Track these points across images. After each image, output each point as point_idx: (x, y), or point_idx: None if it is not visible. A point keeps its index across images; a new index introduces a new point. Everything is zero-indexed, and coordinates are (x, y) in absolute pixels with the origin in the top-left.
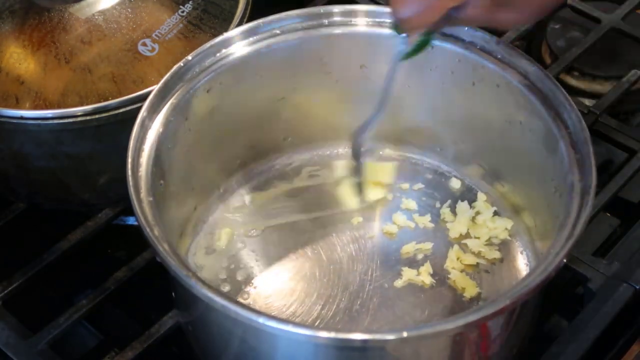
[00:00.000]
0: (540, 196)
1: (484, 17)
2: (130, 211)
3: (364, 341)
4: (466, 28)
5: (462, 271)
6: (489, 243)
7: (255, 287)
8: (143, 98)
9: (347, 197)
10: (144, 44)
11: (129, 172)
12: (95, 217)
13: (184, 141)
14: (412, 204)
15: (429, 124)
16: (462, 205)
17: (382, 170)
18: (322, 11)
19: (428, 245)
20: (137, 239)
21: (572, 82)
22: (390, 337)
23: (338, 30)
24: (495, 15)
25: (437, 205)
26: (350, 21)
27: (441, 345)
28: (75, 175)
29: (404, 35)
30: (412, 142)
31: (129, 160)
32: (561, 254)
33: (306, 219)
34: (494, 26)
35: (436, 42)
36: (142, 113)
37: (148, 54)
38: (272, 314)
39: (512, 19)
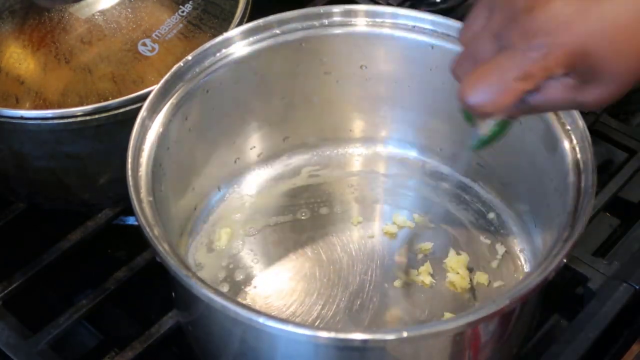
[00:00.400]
0: (540, 196)
1: (566, 98)
2: (130, 211)
3: (364, 341)
4: None
5: (461, 271)
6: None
7: (255, 287)
8: (143, 98)
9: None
10: (144, 44)
11: (129, 172)
12: (95, 217)
13: (184, 141)
14: (412, 204)
15: (429, 124)
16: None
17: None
18: (322, 11)
19: (428, 245)
20: (137, 239)
21: None
22: (390, 337)
23: (338, 30)
24: (579, 95)
25: (438, 204)
26: (350, 21)
27: (441, 345)
28: (75, 175)
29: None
30: (412, 141)
31: (129, 160)
32: (561, 254)
33: (306, 219)
34: (577, 109)
35: (436, 42)
36: (142, 113)
37: (148, 54)
38: (272, 314)
39: (598, 97)
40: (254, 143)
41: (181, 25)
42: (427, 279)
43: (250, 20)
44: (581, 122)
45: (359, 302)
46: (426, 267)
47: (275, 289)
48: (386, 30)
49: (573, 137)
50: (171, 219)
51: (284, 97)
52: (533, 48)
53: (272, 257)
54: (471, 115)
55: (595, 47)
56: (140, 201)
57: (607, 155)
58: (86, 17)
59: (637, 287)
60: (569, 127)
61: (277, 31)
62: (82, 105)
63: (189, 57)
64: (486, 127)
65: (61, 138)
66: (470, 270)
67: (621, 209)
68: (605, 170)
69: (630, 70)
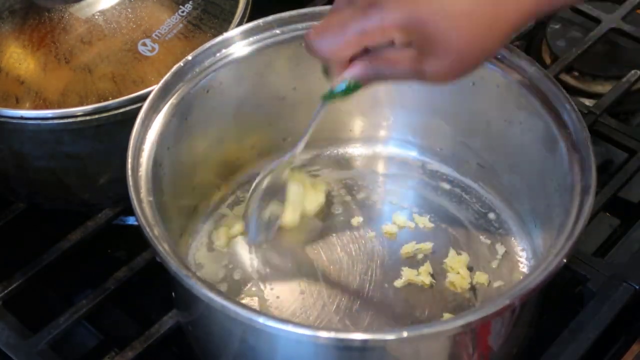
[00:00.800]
0: (540, 196)
1: (410, 67)
2: (130, 211)
3: (364, 341)
4: None
5: (461, 271)
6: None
7: (254, 287)
8: (143, 98)
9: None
10: (144, 44)
11: (129, 172)
12: (95, 217)
13: (184, 141)
14: (412, 204)
15: (429, 124)
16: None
17: (311, 199)
18: (322, 11)
19: (428, 245)
20: (137, 239)
21: (572, 82)
22: (390, 337)
23: None
24: (421, 65)
25: (438, 204)
26: None
27: (441, 345)
28: (75, 175)
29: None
30: (412, 141)
31: (129, 160)
32: (561, 254)
33: (306, 218)
34: (423, 79)
35: None
36: (142, 113)
37: (148, 54)
38: (272, 314)
39: (438, 69)
40: (254, 143)
41: (181, 25)
42: (427, 279)
43: (250, 20)
44: (581, 122)
45: (359, 302)
46: (426, 267)
47: (275, 289)
48: None
49: (573, 137)
50: (171, 219)
51: (284, 96)
52: (373, 8)
53: (271, 257)
54: (327, 69)
55: (430, 18)
56: (140, 201)
57: (607, 155)
58: (86, 17)
59: (637, 287)
60: (569, 128)
61: (277, 31)
62: (82, 105)
63: (189, 57)
64: (337, 83)
65: (61, 138)
66: (470, 270)
67: (621, 209)
68: (605, 170)
69: (467, 48)
